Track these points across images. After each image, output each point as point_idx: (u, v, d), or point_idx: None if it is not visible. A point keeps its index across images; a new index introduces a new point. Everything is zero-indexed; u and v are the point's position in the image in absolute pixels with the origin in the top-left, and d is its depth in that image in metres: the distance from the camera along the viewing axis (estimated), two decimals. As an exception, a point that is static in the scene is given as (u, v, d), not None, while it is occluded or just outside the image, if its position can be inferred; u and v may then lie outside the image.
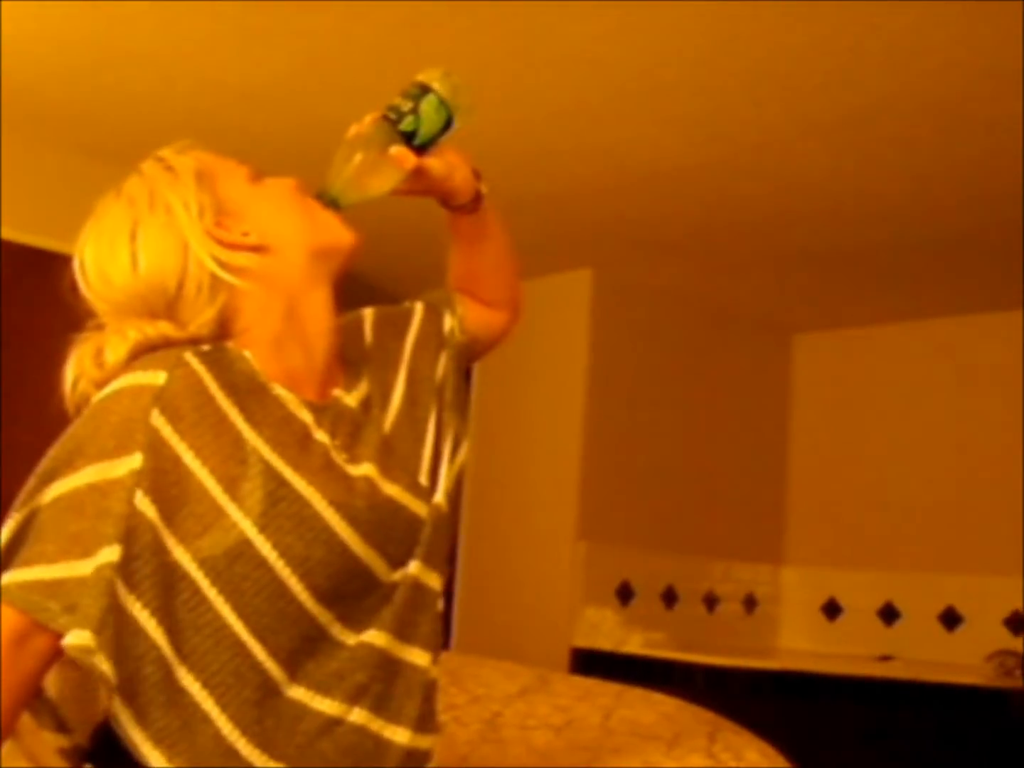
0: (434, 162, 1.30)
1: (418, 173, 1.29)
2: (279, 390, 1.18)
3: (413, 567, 1.20)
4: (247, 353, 1.18)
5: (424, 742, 1.20)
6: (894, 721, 3.60)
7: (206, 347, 1.16)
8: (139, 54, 2.81)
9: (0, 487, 1.56)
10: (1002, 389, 4.33)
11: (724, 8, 2.38)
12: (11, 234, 3.30)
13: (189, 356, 1.13)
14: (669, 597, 4.42)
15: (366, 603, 1.16)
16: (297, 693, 1.12)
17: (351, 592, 1.15)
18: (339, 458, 1.18)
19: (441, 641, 1.25)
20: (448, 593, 4.11)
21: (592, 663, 3.94)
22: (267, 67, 2.83)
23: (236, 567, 1.08)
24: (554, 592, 4.15)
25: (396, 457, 1.24)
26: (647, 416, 4.43)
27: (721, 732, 1.78)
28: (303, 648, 1.12)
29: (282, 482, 1.11)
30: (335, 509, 1.13)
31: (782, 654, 4.53)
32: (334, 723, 1.13)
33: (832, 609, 4.69)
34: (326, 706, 1.13)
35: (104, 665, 1.02)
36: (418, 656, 1.20)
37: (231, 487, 1.09)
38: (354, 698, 1.14)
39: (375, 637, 1.16)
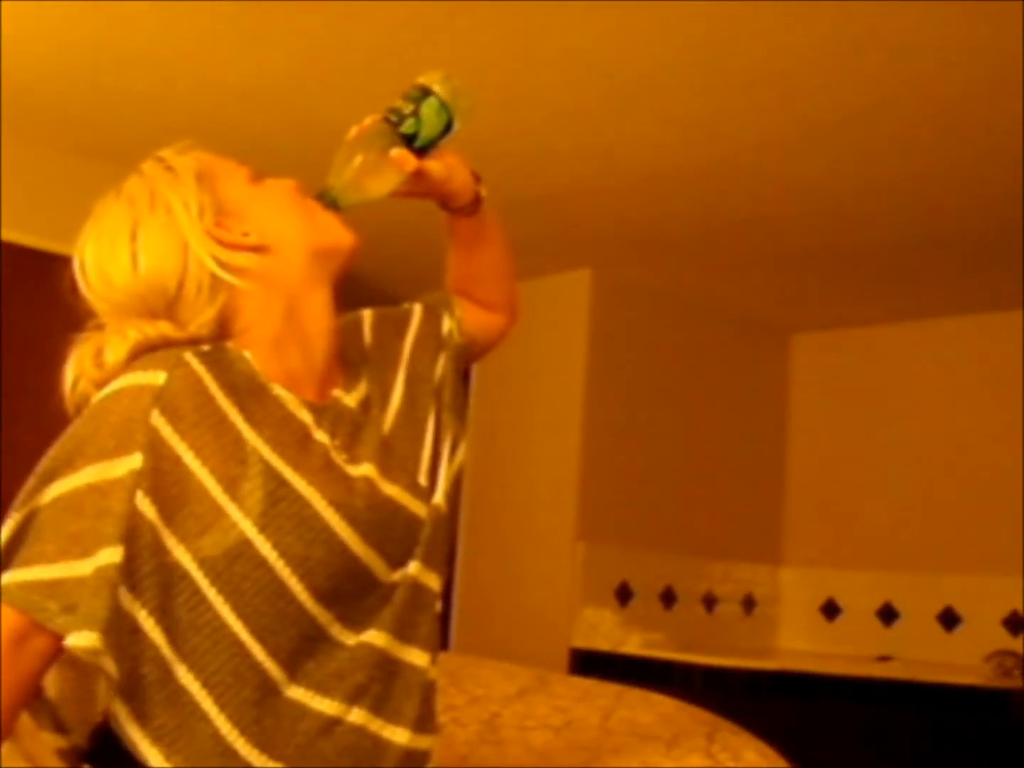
0: (434, 164, 1.31)
1: (418, 175, 1.30)
2: (279, 390, 1.18)
3: (412, 567, 1.20)
4: (247, 353, 1.18)
5: (423, 742, 1.21)
6: (893, 721, 3.60)
7: (206, 347, 1.16)
8: (139, 54, 2.81)
9: (0, 487, 1.56)
10: (1002, 389, 4.32)
11: (724, 8, 2.38)
12: (11, 235, 3.29)
13: (189, 356, 1.14)
14: (668, 597, 4.42)
15: (366, 603, 1.17)
16: (296, 693, 1.12)
17: (351, 592, 1.15)
18: (339, 458, 1.18)
19: (439, 642, 1.25)
20: (447, 594, 4.12)
21: (591, 664, 3.94)
22: (267, 67, 2.83)
23: (236, 567, 1.08)
24: (553, 592, 4.14)
25: (395, 457, 1.24)
26: (646, 416, 4.42)
27: (720, 732, 1.78)
28: (302, 648, 1.13)
29: (282, 482, 1.11)
30: (335, 509, 1.13)
31: (781, 654, 4.53)
32: (333, 723, 1.13)
33: (831, 609, 4.69)
34: (325, 706, 1.13)
35: (111, 666, 1.02)
36: (417, 656, 1.21)
37: (231, 487, 1.09)
38: (353, 698, 1.15)
39: (375, 637, 1.17)
